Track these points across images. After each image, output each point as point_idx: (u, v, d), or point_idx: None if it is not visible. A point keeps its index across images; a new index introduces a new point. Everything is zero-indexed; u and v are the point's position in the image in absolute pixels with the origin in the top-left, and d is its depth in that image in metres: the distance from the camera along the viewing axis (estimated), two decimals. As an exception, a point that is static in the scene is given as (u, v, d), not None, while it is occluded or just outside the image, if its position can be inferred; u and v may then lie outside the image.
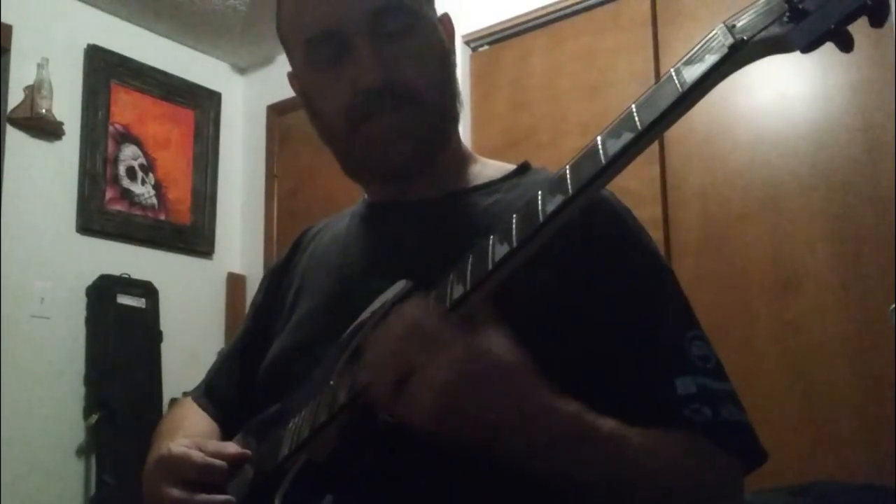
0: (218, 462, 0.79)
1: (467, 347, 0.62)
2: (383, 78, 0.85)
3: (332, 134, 0.92)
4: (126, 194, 3.50)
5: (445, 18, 0.98)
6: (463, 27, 3.10)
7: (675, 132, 2.55)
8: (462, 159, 0.99)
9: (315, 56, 0.90)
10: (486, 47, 3.16)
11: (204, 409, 1.04)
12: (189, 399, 1.08)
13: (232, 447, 0.82)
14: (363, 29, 0.86)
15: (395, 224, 0.95)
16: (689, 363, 0.78)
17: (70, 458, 3.14)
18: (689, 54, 0.56)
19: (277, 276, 1.07)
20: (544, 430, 0.65)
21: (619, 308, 0.80)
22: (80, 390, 3.20)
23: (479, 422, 0.63)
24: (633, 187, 2.48)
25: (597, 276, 0.81)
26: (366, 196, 1.03)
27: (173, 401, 3.19)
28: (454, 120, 0.94)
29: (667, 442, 0.73)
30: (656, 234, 2.46)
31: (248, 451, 0.82)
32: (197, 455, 0.79)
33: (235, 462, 0.81)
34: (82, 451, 3.17)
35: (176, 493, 0.78)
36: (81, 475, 3.15)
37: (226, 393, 1.05)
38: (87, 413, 3.16)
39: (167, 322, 3.41)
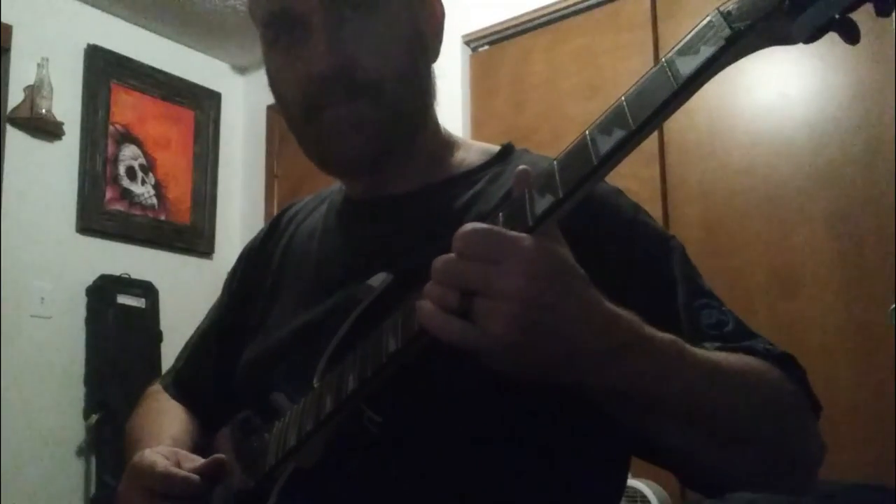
0: (181, 473, 0.76)
1: (536, 249, 0.55)
2: (338, 64, 0.78)
3: (291, 120, 0.87)
4: (126, 194, 3.49)
5: (435, 1, 0.90)
6: (463, 27, 3.09)
7: (674, 132, 2.55)
8: (441, 146, 0.92)
9: (272, 36, 0.84)
10: (486, 47, 3.16)
11: (175, 400, 1.01)
12: (160, 390, 1.04)
13: (201, 461, 0.79)
14: (321, 8, 0.79)
15: (371, 223, 0.90)
16: (703, 336, 0.73)
17: (70, 458, 3.14)
18: (683, 43, 0.53)
19: (252, 262, 1.02)
20: (616, 337, 0.59)
21: (623, 292, 0.76)
22: (80, 390, 3.19)
23: (560, 339, 0.56)
24: (633, 187, 2.45)
25: (595, 262, 0.77)
26: (343, 185, 0.98)
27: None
28: (421, 111, 0.87)
29: (730, 355, 0.69)
30: (656, 234, 2.45)
31: (221, 458, 0.79)
32: (161, 465, 0.77)
33: (205, 473, 0.77)
34: (82, 451, 3.16)
35: (138, 500, 0.77)
36: (81, 475, 3.15)
37: (197, 383, 1.01)
38: (87, 413, 3.16)
39: (167, 322, 3.40)
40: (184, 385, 1.03)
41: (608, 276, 0.73)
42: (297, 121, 0.85)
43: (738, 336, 0.75)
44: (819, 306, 2.25)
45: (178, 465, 0.78)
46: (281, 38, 0.83)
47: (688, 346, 0.64)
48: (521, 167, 0.61)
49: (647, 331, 0.61)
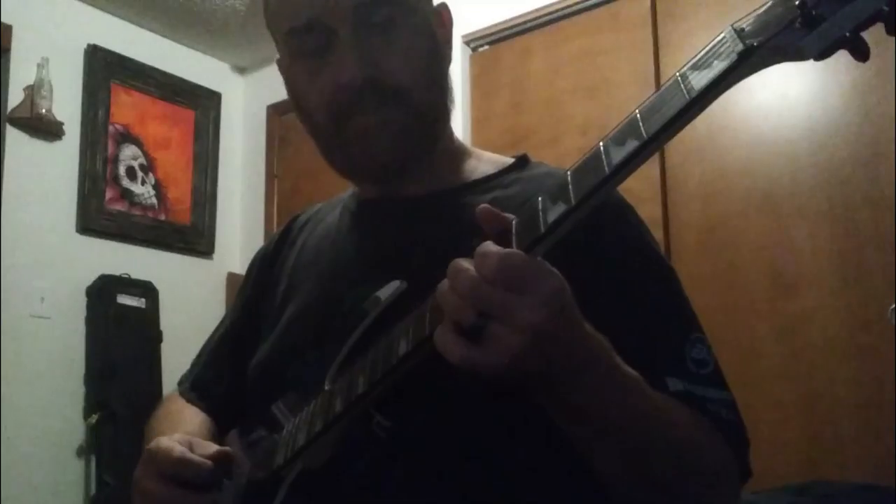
0: (196, 458, 0.77)
1: (556, 285, 0.58)
2: (366, 74, 0.81)
3: (316, 128, 0.89)
4: (126, 194, 3.49)
5: (443, 9, 0.93)
6: (463, 27, 3.09)
7: (675, 132, 2.55)
8: (455, 154, 0.95)
9: (297, 47, 0.86)
10: (486, 47, 3.16)
11: (194, 404, 1.02)
12: (178, 394, 1.05)
13: (215, 447, 0.80)
14: (348, 20, 0.82)
15: (386, 224, 0.91)
16: (683, 367, 0.76)
17: (70, 458, 3.14)
18: (697, 58, 0.54)
19: (265, 266, 1.04)
20: (597, 369, 0.63)
21: (623, 306, 0.77)
22: (80, 390, 3.20)
23: (551, 363, 0.59)
24: (633, 187, 2.46)
25: (600, 274, 0.78)
26: (355, 189, 0.99)
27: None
28: (443, 117, 0.90)
29: (680, 407, 0.73)
30: (656, 234, 2.43)
31: (228, 450, 0.80)
32: (178, 449, 0.78)
33: (216, 460, 0.78)
34: (82, 451, 3.17)
35: (152, 485, 0.78)
36: (81, 475, 3.16)
37: (214, 387, 1.03)
38: (87, 413, 3.16)
39: (167, 322, 3.41)
40: (200, 388, 1.04)
41: (602, 283, 0.76)
42: (324, 129, 0.87)
43: (711, 381, 0.77)
44: (819, 306, 2.25)
45: (192, 450, 0.79)
46: (306, 49, 0.85)
47: (646, 387, 0.68)
48: (482, 205, 0.63)
49: (615, 360, 0.65)
